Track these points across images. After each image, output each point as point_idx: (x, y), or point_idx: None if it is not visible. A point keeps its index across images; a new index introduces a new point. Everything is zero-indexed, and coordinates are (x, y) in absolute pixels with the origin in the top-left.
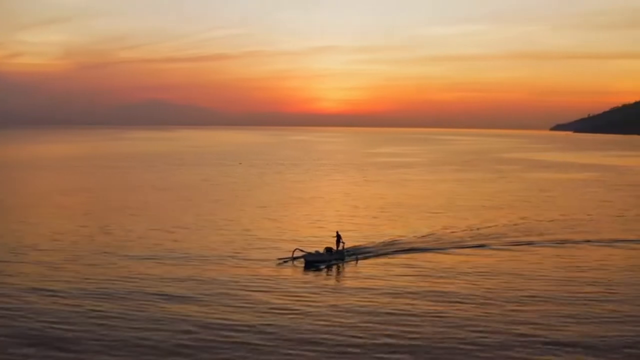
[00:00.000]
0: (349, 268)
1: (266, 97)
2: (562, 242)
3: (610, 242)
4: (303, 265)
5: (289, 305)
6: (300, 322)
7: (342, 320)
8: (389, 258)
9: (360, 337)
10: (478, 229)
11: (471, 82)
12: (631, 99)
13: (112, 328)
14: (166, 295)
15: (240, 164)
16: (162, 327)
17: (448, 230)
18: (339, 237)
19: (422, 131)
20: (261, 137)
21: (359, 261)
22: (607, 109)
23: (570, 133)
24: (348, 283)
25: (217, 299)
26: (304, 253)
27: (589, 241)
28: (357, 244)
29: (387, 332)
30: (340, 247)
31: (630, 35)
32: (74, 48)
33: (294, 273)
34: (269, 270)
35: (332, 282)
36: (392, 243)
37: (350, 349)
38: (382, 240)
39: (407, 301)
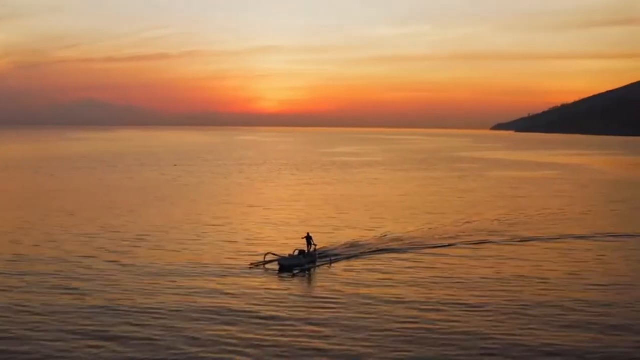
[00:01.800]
0: (323, 271)
1: (207, 97)
2: (557, 238)
3: (606, 236)
4: (277, 269)
5: (268, 314)
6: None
7: (319, 330)
8: (365, 260)
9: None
10: (458, 226)
11: (414, 82)
12: (570, 99)
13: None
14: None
15: (175, 165)
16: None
17: (428, 229)
18: (309, 239)
19: (367, 131)
20: (207, 137)
21: (333, 264)
22: (546, 108)
23: (512, 132)
24: (325, 289)
25: (191, 310)
26: (276, 257)
27: (584, 237)
28: (332, 245)
29: (363, 341)
30: (312, 249)
31: (570, 36)
32: (11, 47)
33: (269, 278)
34: (242, 277)
35: (308, 289)
36: (366, 244)
37: None
38: (354, 241)
39: (387, 308)
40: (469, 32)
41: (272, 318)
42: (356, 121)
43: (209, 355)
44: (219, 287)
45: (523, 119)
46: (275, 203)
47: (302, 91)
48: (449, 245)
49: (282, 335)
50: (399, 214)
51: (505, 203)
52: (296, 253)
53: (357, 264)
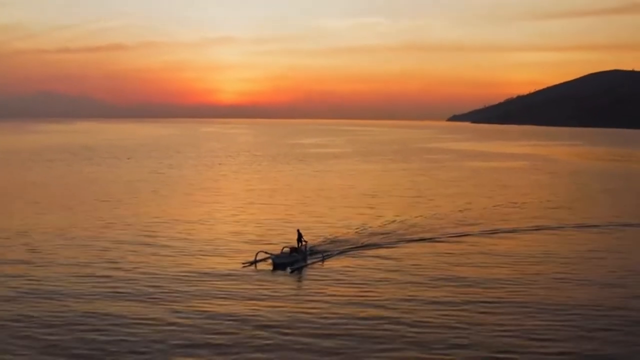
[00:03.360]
0: (317, 268)
1: (163, 88)
2: (560, 227)
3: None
4: (271, 268)
5: (268, 315)
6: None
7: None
8: (358, 254)
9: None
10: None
11: (367, 73)
12: (525, 91)
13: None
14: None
15: (129, 158)
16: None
17: (422, 219)
18: (299, 235)
19: (324, 123)
20: (169, 129)
21: (325, 260)
22: (502, 100)
23: (468, 123)
24: (320, 286)
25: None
26: (267, 255)
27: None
28: (322, 239)
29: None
30: (302, 246)
31: (525, 28)
32: None
33: (263, 278)
34: (236, 278)
35: (305, 287)
36: (358, 237)
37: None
38: (345, 234)
39: (384, 304)
40: (422, 23)
41: (272, 319)
42: (311, 113)
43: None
44: (213, 289)
45: (479, 110)
46: (264, 196)
47: (258, 82)
48: (459, 235)
49: (283, 336)
50: (390, 206)
51: (495, 192)
52: (286, 250)
53: (350, 259)
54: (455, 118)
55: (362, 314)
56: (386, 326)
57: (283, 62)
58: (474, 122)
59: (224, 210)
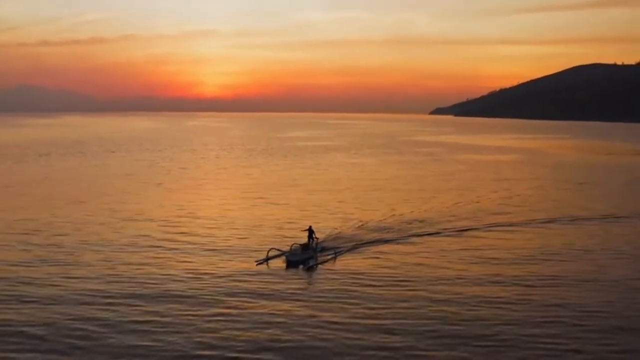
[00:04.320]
0: (330, 265)
1: (144, 81)
2: (574, 220)
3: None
4: (285, 265)
5: (288, 315)
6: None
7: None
8: (368, 252)
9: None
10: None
11: (350, 66)
12: (507, 84)
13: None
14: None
15: (114, 152)
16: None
17: (430, 213)
18: (311, 231)
19: (306, 116)
20: (154, 122)
21: (337, 257)
22: (485, 93)
23: (451, 117)
24: (337, 284)
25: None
26: (279, 252)
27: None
28: (333, 234)
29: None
30: (313, 243)
31: (508, 22)
32: None
33: (279, 276)
34: (250, 277)
35: (321, 285)
36: (368, 231)
37: None
38: (355, 229)
39: (405, 298)
40: (405, 17)
41: (292, 318)
42: (293, 106)
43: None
44: (230, 290)
45: (462, 104)
46: (271, 190)
47: (241, 76)
48: (468, 229)
49: (306, 336)
50: (396, 199)
51: (497, 185)
52: (295, 247)
53: (362, 255)
54: (438, 111)
55: (385, 311)
56: (404, 322)
57: (265, 55)
58: (456, 115)
59: (233, 204)
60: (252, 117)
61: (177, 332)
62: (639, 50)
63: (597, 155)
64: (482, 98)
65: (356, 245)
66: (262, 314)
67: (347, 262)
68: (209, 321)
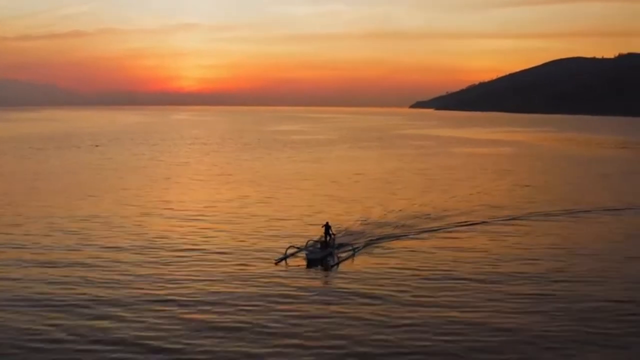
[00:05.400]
0: (350, 263)
1: (124, 75)
2: (588, 211)
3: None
4: (301, 262)
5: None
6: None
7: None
8: (386, 247)
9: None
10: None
11: (330, 60)
12: (487, 77)
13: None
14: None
15: (97, 146)
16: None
17: (442, 206)
18: (328, 228)
19: (288, 110)
20: (138, 116)
21: (357, 254)
22: (464, 87)
23: (432, 110)
24: (363, 282)
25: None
26: (297, 249)
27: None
28: (349, 230)
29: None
30: (331, 239)
31: (487, 15)
32: None
33: (298, 275)
34: (271, 276)
35: (348, 284)
36: (384, 225)
37: None
38: (370, 224)
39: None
40: (384, 11)
41: (320, 319)
42: (273, 100)
43: None
44: (254, 292)
45: (442, 97)
46: (279, 185)
47: (221, 69)
48: (482, 222)
49: (332, 336)
50: (406, 192)
51: (505, 178)
52: (310, 244)
53: (381, 252)
54: (418, 105)
55: (414, 312)
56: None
57: (245, 49)
58: (437, 108)
59: (246, 200)
60: (234, 110)
61: (208, 338)
62: (618, 44)
63: (591, 148)
64: (462, 92)
65: (372, 240)
66: (288, 315)
67: (367, 259)
68: (237, 325)
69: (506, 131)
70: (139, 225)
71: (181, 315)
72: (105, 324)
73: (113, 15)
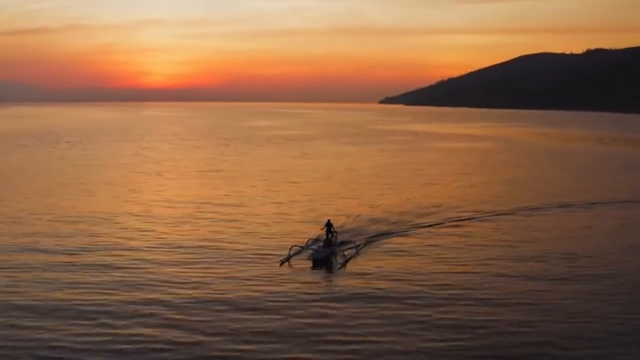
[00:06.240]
0: (356, 262)
1: (92, 71)
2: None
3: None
4: (304, 261)
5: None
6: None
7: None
8: (388, 244)
9: None
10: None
11: (298, 56)
12: (456, 73)
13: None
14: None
15: (69, 142)
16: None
17: (437, 200)
18: (329, 226)
19: (257, 106)
20: (110, 112)
21: (360, 251)
22: (433, 82)
23: (402, 106)
24: (371, 282)
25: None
26: (300, 249)
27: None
28: (350, 227)
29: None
30: (333, 237)
31: (456, 11)
32: None
33: (305, 276)
34: (277, 278)
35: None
36: (383, 222)
37: None
38: (368, 222)
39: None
40: (353, 6)
41: (332, 321)
42: (241, 96)
43: None
44: (260, 293)
45: (411, 93)
46: (271, 181)
47: (189, 65)
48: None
49: (348, 338)
50: (399, 188)
51: (490, 172)
52: (310, 242)
53: (383, 249)
54: (387, 100)
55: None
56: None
57: (213, 45)
58: (407, 104)
59: (241, 197)
60: (205, 106)
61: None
62: (586, 39)
63: (568, 142)
64: (431, 87)
65: (374, 237)
66: (298, 316)
67: (371, 257)
68: (254, 326)
69: (482, 126)
70: (139, 225)
71: (194, 318)
72: (99, 329)
73: (80, 11)
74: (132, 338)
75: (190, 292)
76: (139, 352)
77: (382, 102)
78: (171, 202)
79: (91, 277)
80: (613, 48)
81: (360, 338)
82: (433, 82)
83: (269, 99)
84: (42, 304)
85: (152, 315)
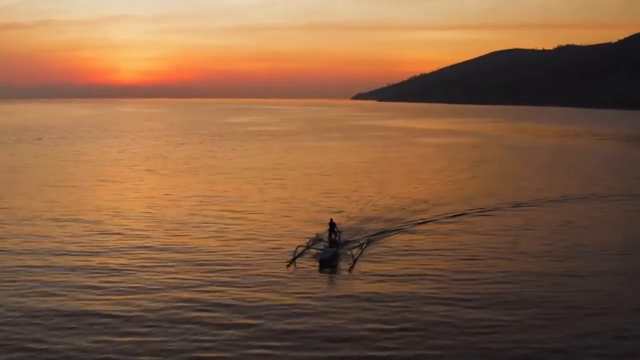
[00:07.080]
0: (363, 262)
1: (61, 68)
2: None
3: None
4: (311, 261)
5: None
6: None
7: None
8: (392, 242)
9: None
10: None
11: (269, 52)
12: (428, 69)
13: None
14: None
15: (40, 139)
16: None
17: (433, 196)
18: (333, 225)
19: (232, 102)
20: (83, 109)
21: (364, 250)
22: (406, 78)
23: (374, 102)
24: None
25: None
26: (304, 248)
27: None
28: (350, 226)
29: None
30: (336, 237)
31: (428, 7)
32: None
33: (313, 278)
34: (286, 281)
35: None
36: (383, 219)
37: None
38: (368, 218)
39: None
40: (324, 1)
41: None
42: (212, 92)
43: None
44: (274, 303)
45: (383, 89)
46: (266, 177)
47: (160, 62)
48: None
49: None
50: (395, 183)
51: (481, 167)
52: (312, 242)
53: (388, 247)
54: (360, 96)
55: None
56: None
57: (183, 41)
58: (379, 100)
59: (238, 194)
60: (177, 103)
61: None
62: (557, 35)
63: (547, 137)
64: (404, 83)
65: (376, 234)
66: (311, 317)
67: (375, 255)
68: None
69: (460, 122)
70: (141, 226)
71: (205, 322)
72: (99, 329)
73: (50, 7)
74: (132, 338)
75: (190, 293)
76: (138, 354)
77: (354, 98)
78: (171, 201)
79: (92, 278)
80: (584, 44)
81: (372, 341)
82: (405, 78)
83: (240, 95)
84: (40, 306)
85: (152, 315)
